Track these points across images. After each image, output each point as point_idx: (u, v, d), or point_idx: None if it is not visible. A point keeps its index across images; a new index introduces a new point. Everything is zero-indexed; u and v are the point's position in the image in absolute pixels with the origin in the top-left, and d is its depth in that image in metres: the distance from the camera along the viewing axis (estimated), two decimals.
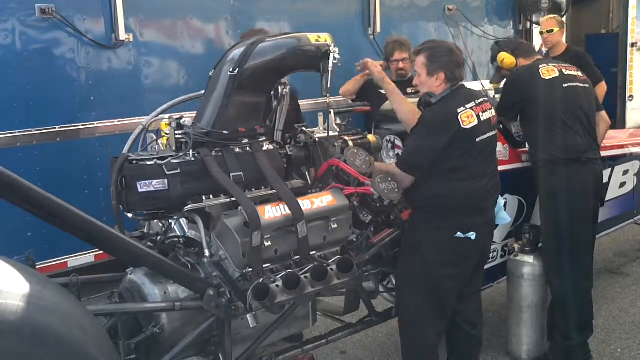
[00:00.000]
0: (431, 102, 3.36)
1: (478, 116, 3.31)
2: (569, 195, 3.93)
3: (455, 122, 3.24)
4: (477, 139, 3.30)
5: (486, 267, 3.86)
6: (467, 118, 3.26)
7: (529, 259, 4.02)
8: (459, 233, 3.32)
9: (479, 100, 3.37)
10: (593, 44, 10.52)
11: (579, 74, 4.18)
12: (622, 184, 4.98)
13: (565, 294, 4.01)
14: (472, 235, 3.33)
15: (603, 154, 4.70)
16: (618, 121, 9.20)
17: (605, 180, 4.73)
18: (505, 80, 4.36)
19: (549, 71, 4.05)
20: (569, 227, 3.95)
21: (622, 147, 4.93)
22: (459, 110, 3.26)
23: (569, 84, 4.06)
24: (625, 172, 4.96)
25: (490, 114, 3.42)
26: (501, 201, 3.64)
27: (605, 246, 6.07)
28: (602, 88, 6.16)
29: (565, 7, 8.28)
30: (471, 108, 3.30)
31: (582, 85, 4.13)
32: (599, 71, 6.22)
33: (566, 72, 4.10)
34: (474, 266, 3.49)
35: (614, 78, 9.28)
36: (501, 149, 4.10)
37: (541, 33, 6.40)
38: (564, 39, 6.61)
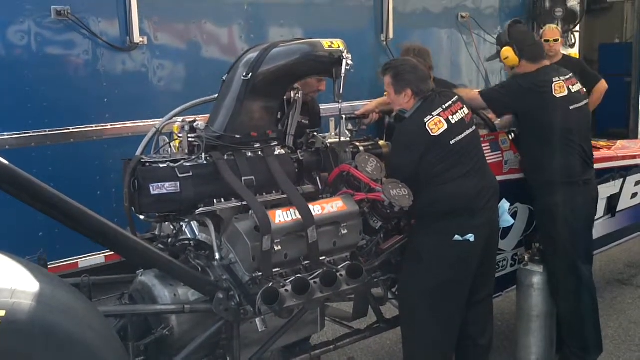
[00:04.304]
0: (404, 118, 3.44)
1: (447, 120, 3.36)
2: (570, 217, 3.92)
3: (424, 132, 3.32)
4: (451, 142, 3.35)
5: (496, 275, 3.85)
6: (435, 125, 3.33)
7: (539, 268, 3.99)
8: (456, 236, 3.33)
9: (448, 104, 3.41)
10: (607, 53, 10.49)
11: (580, 87, 4.09)
12: (634, 195, 4.94)
13: (573, 315, 4.02)
14: (471, 237, 3.34)
15: (615, 164, 4.69)
16: (631, 131, 9.17)
17: (617, 190, 4.72)
18: (512, 79, 4.12)
19: (560, 88, 3.94)
20: (578, 246, 3.97)
21: (634, 157, 4.89)
22: (425, 120, 3.34)
23: (576, 106, 3.98)
24: (638, 183, 4.92)
25: (463, 113, 3.45)
26: (505, 204, 3.65)
27: (616, 257, 6.03)
28: (602, 86, 6.32)
29: (579, 16, 8.30)
30: (439, 114, 3.36)
31: (585, 103, 4.08)
32: (594, 72, 6.57)
33: (573, 90, 4.00)
34: (476, 269, 3.47)
35: (628, 87, 9.25)
36: (512, 158, 4.09)
37: (546, 41, 6.48)
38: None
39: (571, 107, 3.96)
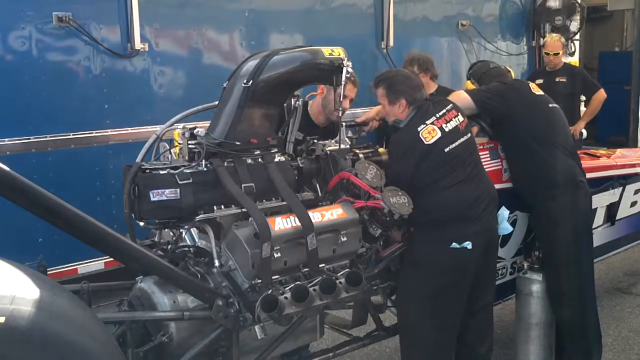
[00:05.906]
0: (399, 128, 3.46)
1: (441, 128, 3.38)
2: (577, 220, 3.93)
3: (418, 141, 3.34)
4: (446, 149, 3.37)
5: (496, 283, 3.84)
6: (429, 133, 3.35)
7: (538, 276, 3.99)
8: (454, 244, 3.34)
9: (441, 113, 3.43)
10: (607, 61, 10.52)
11: None
12: (633, 203, 4.94)
13: (573, 322, 4.01)
14: (468, 244, 3.34)
15: (614, 172, 4.69)
16: (630, 139, 9.18)
17: (616, 199, 4.73)
18: (493, 85, 4.10)
19: (536, 88, 4.04)
20: (579, 252, 3.97)
21: (633, 165, 4.90)
22: (419, 129, 3.36)
23: (552, 105, 4.03)
24: (637, 192, 4.92)
25: (457, 121, 3.46)
26: (505, 212, 3.65)
27: (615, 265, 6.03)
28: (601, 95, 6.37)
29: (579, 25, 8.34)
30: (432, 123, 3.38)
31: (555, 104, 4.09)
32: (594, 81, 6.77)
33: (543, 92, 4.06)
34: (474, 276, 3.47)
35: (627, 96, 9.27)
36: None
37: (547, 54, 6.56)
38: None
39: (550, 105, 4.03)
